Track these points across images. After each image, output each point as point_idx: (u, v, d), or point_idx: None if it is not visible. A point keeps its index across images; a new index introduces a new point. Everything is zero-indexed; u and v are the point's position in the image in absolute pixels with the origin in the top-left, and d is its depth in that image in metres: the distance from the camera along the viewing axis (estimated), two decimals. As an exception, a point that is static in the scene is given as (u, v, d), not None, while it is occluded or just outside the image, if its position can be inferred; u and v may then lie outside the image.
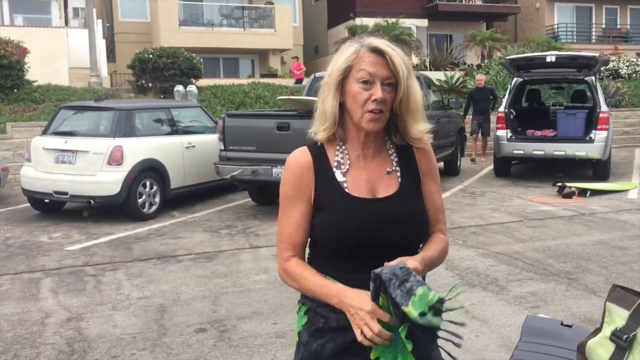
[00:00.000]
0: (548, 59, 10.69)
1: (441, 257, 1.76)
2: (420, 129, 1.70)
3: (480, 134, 13.12)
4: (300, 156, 1.72)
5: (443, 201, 1.84)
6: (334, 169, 1.70)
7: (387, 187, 1.69)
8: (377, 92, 1.60)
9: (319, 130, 1.69)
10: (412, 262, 1.56)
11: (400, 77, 1.61)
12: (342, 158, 1.71)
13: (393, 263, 1.52)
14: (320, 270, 1.69)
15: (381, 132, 1.71)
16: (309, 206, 1.70)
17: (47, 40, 16.71)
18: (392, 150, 1.75)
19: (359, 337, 1.54)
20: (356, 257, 1.66)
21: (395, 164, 1.73)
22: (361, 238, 1.64)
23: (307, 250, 1.79)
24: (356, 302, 1.55)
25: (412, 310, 1.43)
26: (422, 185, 1.75)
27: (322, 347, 1.68)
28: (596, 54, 11.43)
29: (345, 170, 1.70)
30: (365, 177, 1.70)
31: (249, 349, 3.89)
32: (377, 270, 1.50)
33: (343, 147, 1.72)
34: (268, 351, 3.86)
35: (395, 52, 1.62)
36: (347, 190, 1.68)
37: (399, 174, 1.72)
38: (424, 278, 1.73)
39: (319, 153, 1.72)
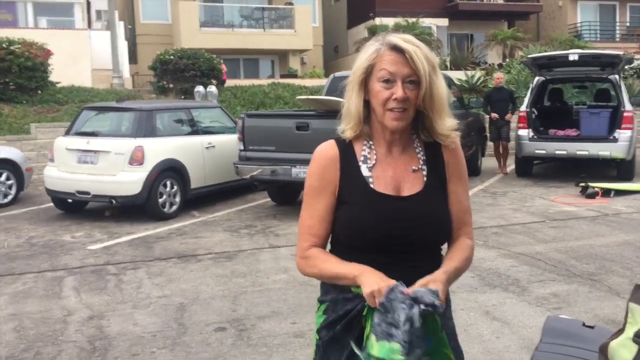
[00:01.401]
0: (571, 58, 10.54)
1: (466, 266, 1.71)
2: (447, 125, 1.68)
3: (500, 140, 11.62)
4: (328, 149, 1.72)
5: (470, 203, 1.79)
6: (360, 164, 1.69)
7: (412, 185, 1.68)
8: (398, 91, 1.59)
9: (346, 128, 1.70)
10: (436, 284, 1.53)
11: (421, 74, 1.59)
12: (369, 153, 1.71)
13: (417, 286, 1.50)
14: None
15: (408, 129, 1.69)
16: (333, 199, 1.69)
17: (70, 42, 16.94)
18: (420, 148, 1.73)
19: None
20: (375, 254, 1.64)
21: (422, 162, 1.71)
22: (381, 235, 1.63)
23: (329, 247, 1.78)
24: (375, 275, 1.55)
25: (375, 350, 1.46)
26: (447, 185, 1.73)
27: (340, 338, 1.68)
28: (620, 52, 11.24)
29: (371, 165, 1.69)
30: (391, 174, 1.69)
31: (267, 348, 3.90)
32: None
33: (370, 143, 1.72)
34: (287, 351, 3.86)
35: (417, 48, 1.60)
36: (372, 185, 1.67)
37: (425, 172, 1.70)
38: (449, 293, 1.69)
39: (346, 147, 1.72)
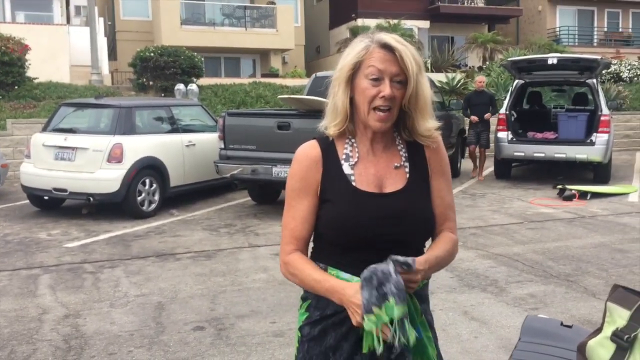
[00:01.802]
0: (550, 61, 10.67)
1: (449, 257, 1.72)
2: (428, 126, 1.68)
3: (478, 146, 11.25)
4: (309, 149, 1.72)
5: (453, 199, 1.79)
6: (342, 162, 1.69)
7: (395, 182, 1.68)
8: (386, 88, 1.59)
9: (329, 125, 1.69)
10: (416, 261, 1.55)
11: (409, 74, 1.59)
12: (351, 151, 1.71)
13: (401, 259, 1.52)
14: (323, 263, 1.69)
15: (390, 127, 1.69)
16: (316, 200, 1.69)
17: (49, 37, 16.69)
18: (402, 146, 1.73)
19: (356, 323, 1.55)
20: (358, 251, 1.64)
21: (404, 159, 1.71)
22: (365, 232, 1.63)
23: (311, 244, 1.78)
24: (356, 299, 1.53)
25: (382, 314, 1.46)
26: (430, 182, 1.73)
27: (324, 337, 1.68)
28: (598, 57, 11.41)
29: (353, 163, 1.69)
30: (373, 172, 1.69)
31: (246, 347, 3.88)
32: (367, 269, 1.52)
33: (353, 141, 1.72)
34: (266, 350, 3.84)
35: (406, 48, 1.60)
36: (354, 183, 1.67)
37: (407, 169, 1.70)
38: (428, 279, 1.73)
39: (328, 146, 1.71)
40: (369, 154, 1.70)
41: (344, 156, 1.70)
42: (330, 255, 1.69)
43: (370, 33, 1.67)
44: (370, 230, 1.63)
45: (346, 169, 1.69)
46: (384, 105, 1.60)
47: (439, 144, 1.74)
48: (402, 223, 1.64)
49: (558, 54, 12.18)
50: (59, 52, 16.85)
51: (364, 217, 1.63)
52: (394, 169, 1.69)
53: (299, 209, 1.69)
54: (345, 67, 1.63)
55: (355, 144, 1.71)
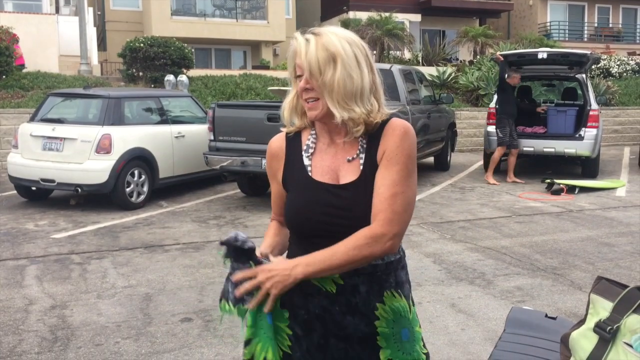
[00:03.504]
0: (540, 56, 10.69)
1: (342, 252, 1.59)
2: (347, 116, 1.62)
3: (510, 147, 10.23)
4: (274, 141, 1.84)
5: (403, 189, 1.64)
6: (303, 153, 1.76)
7: (348, 174, 1.69)
8: (302, 81, 1.65)
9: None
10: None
11: (303, 67, 1.62)
12: (312, 143, 1.76)
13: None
14: (290, 249, 1.81)
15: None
16: (279, 187, 1.82)
17: (37, 27, 16.52)
18: (363, 138, 1.70)
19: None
20: (313, 239, 1.69)
21: (360, 150, 1.70)
22: (317, 222, 1.68)
23: None
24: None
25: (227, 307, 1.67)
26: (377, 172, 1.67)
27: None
28: (588, 52, 11.45)
29: (310, 154, 1.74)
30: (329, 163, 1.72)
31: (234, 339, 3.88)
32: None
33: (314, 133, 1.77)
34: (253, 341, 3.84)
35: (314, 38, 1.62)
36: (310, 174, 1.72)
37: (362, 161, 1.69)
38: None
39: (294, 137, 1.80)
40: (328, 146, 1.73)
41: (304, 147, 1.76)
42: (293, 241, 1.80)
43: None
44: (321, 219, 1.67)
45: (305, 160, 1.74)
46: (307, 97, 1.66)
47: (393, 131, 1.67)
48: (351, 215, 1.65)
49: (548, 49, 12.20)
50: (47, 41, 16.69)
51: (315, 207, 1.68)
52: (348, 162, 1.70)
53: (273, 191, 1.86)
54: (289, 69, 1.71)
55: (316, 136, 1.76)
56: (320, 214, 1.67)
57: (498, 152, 10.22)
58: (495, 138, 10.42)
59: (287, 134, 1.80)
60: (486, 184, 10.07)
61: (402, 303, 1.71)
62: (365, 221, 1.64)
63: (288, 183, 1.77)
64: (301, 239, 1.74)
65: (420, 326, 1.77)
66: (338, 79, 1.60)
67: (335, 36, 1.63)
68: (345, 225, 1.64)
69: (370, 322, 1.67)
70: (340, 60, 1.60)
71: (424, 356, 1.74)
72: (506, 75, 10.28)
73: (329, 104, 1.63)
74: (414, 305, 1.77)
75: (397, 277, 1.73)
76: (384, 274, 1.70)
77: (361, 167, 1.69)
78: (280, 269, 1.59)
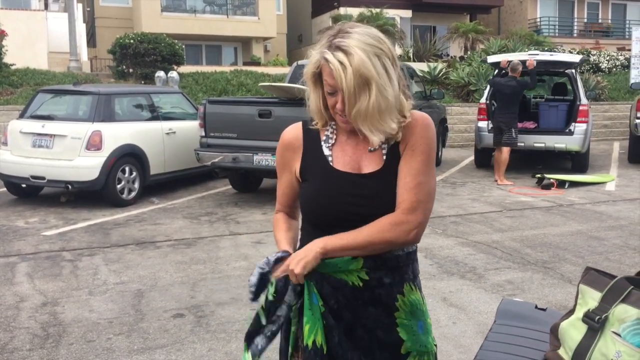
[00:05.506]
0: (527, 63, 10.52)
1: (370, 235, 1.62)
2: (387, 128, 1.62)
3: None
4: (291, 130, 1.81)
5: (426, 179, 1.67)
6: (322, 143, 1.75)
7: (371, 164, 1.70)
8: (339, 103, 1.62)
9: (315, 122, 1.77)
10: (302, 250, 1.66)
11: (343, 88, 1.56)
12: (331, 133, 1.75)
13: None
14: (303, 240, 1.77)
15: None
16: (292, 177, 1.80)
17: (26, 23, 16.40)
18: None
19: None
20: (332, 229, 1.67)
21: (382, 141, 1.70)
22: (339, 210, 1.67)
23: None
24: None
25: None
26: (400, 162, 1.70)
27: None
28: (576, 58, 11.49)
29: (330, 145, 1.74)
30: (351, 154, 1.72)
31: (226, 335, 3.88)
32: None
33: (333, 124, 1.76)
34: (246, 336, 3.84)
35: (344, 62, 1.54)
36: (331, 163, 1.72)
37: (384, 152, 1.70)
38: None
39: (311, 128, 1.78)
40: (349, 137, 1.73)
41: (324, 138, 1.76)
42: (307, 233, 1.75)
43: (332, 34, 1.63)
44: (344, 209, 1.67)
45: (325, 150, 1.74)
46: (341, 113, 1.64)
47: (416, 122, 1.70)
48: (374, 205, 1.66)
49: (538, 52, 12.20)
50: (36, 38, 16.58)
51: (338, 196, 1.68)
52: (370, 152, 1.71)
53: (282, 182, 1.84)
54: (307, 74, 1.67)
55: (335, 126, 1.76)
56: (343, 203, 1.67)
57: (507, 152, 9.79)
58: (487, 134, 10.49)
59: (305, 123, 1.78)
60: (477, 179, 10.11)
61: (417, 296, 1.76)
62: (387, 211, 1.65)
63: (307, 172, 1.75)
64: (317, 230, 1.70)
65: (430, 318, 1.81)
66: (372, 104, 1.57)
67: (364, 53, 1.55)
68: (366, 214, 1.65)
69: (391, 312, 1.70)
70: (375, 84, 1.56)
71: (434, 347, 1.77)
72: (510, 69, 9.91)
73: (363, 130, 1.62)
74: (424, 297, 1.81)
75: (414, 269, 1.78)
76: (405, 265, 1.74)
77: (384, 157, 1.70)
78: (303, 249, 1.64)
